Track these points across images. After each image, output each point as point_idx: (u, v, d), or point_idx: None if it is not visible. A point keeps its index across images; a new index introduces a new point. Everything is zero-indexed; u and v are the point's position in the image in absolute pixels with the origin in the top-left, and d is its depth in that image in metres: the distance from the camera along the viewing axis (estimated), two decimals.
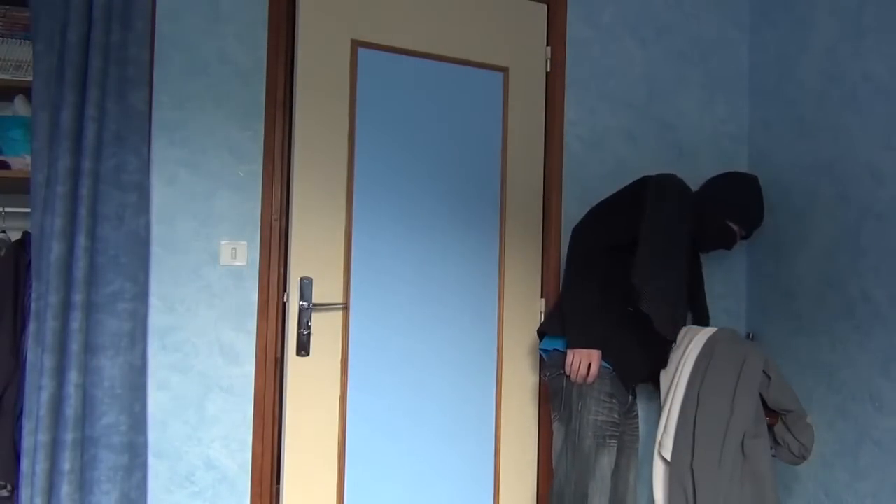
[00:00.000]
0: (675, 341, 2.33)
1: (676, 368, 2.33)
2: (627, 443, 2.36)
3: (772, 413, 2.27)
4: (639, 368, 2.30)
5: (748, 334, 2.87)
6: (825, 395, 2.51)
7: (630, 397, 2.35)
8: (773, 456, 2.29)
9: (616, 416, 2.22)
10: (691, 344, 2.32)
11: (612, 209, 2.31)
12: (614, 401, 2.21)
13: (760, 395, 2.23)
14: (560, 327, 2.26)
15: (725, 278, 2.90)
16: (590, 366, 2.16)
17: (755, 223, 2.41)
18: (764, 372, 2.24)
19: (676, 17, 2.89)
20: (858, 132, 2.44)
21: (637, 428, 2.43)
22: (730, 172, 2.48)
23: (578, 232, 2.33)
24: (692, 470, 2.20)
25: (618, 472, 2.31)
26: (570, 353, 2.18)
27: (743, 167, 2.93)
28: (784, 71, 2.78)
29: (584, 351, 2.17)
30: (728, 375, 2.22)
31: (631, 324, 2.21)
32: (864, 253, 2.39)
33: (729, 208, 2.34)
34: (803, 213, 2.64)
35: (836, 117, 2.53)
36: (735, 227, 2.35)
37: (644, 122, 2.82)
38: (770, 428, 2.28)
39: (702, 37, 2.92)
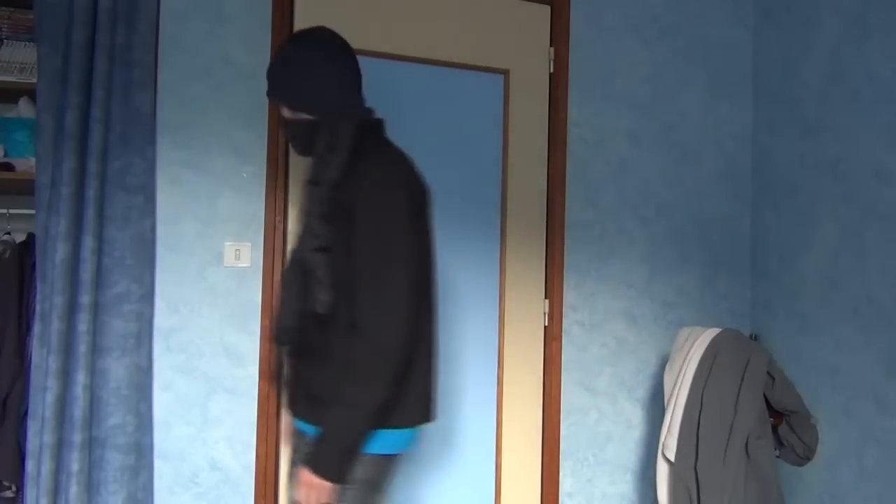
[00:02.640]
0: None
1: (680, 369, 2.33)
2: None
3: (776, 414, 2.27)
4: None
5: (752, 335, 2.86)
6: (829, 395, 2.50)
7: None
8: (778, 457, 2.29)
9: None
10: (695, 344, 2.32)
11: None
12: None
13: (764, 396, 2.23)
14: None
15: (729, 279, 2.90)
16: None
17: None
18: (768, 373, 2.24)
19: (680, 17, 2.89)
20: (862, 132, 2.43)
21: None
22: None
23: None
24: (696, 471, 2.20)
25: None
26: None
27: (746, 167, 2.94)
28: (788, 71, 2.77)
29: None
30: (732, 376, 2.22)
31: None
32: (868, 253, 2.39)
33: None
34: (807, 213, 2.64)
35: (839, 118, 2.52)
36: None
37: (647, 123, 2.83)
38: (774, 429, 2.28)
39: (705, 37, 2.92)
